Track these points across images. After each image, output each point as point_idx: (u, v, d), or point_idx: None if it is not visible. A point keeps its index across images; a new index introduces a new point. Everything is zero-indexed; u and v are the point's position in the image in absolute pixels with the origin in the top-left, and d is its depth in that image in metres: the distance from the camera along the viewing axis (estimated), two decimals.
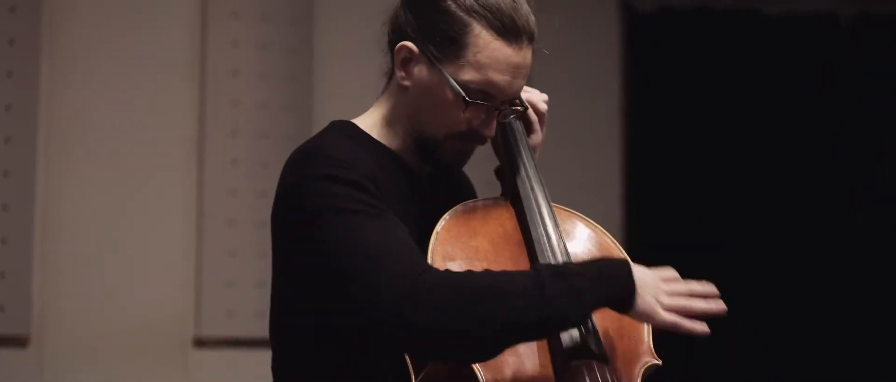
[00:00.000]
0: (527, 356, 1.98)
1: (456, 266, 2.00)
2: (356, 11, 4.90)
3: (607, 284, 1.93)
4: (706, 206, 5.58)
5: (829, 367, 5.45)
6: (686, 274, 2.02)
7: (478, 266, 2.01)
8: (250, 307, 4.57)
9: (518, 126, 2.22)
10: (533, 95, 2.26)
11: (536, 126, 2.26)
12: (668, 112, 5.60)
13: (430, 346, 1.90)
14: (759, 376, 5.44)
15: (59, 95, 4.49)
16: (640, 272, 1.98)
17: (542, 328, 1.93)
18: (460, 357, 1.93)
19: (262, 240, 4.60)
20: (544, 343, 2.00)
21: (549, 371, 1.99)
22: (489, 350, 1.92)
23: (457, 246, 2.03)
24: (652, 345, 2.08)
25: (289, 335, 2.15)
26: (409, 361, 1.99)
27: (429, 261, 1.99)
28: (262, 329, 4.64)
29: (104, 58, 4.56)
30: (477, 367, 1.93)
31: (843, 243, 5.60)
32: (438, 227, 2.05)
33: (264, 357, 4.90)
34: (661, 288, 1.97)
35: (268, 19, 4.71)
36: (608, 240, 2.19)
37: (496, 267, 2.01)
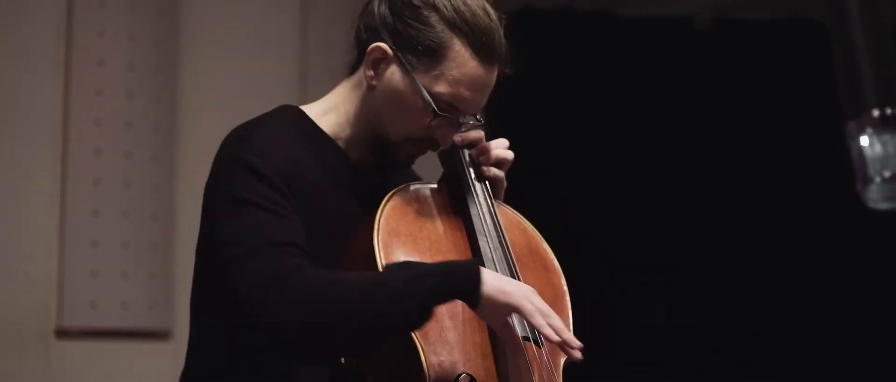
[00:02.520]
0: (467, 334, 2.06)
1: (399, 242, 2.07)
2: (223, 4, 4.92)
3: (453, 280, 1.97)
4: (565, 204, 5.68)
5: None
6: None
7: (421, 243, 2.10)
8: (113, 297, 4.56)
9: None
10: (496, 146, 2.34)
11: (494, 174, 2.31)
12: (527, 111, 5.68)
13: (279, 343, 1.94)
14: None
15: None
16: (498, 278, 2.00)
17: (386, 327, 1.95)
18: (309, 354, 1.99)
19: (126, 230, 4.61)
20: (484, 322, 2.06)
21: (488, 348, 2.06)
22: (338, 349, 1.98)
23: (401, 223, 2.10)
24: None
25: (203, 308, 2.19)
26: None
27: (374, 235, 2.05)
28: (125, 320, 4.63)
29: None
30: (420, 345, 1.99)
31: (699, 238, 5.76)
32: (385, 203, 2.12)
33: (127, 348, 4.86)
34: (529, 298, 1.99)
35: (135, 10, 4.70)
36: (536, 235, 2.32)
37: (437, 245, 2.11)
